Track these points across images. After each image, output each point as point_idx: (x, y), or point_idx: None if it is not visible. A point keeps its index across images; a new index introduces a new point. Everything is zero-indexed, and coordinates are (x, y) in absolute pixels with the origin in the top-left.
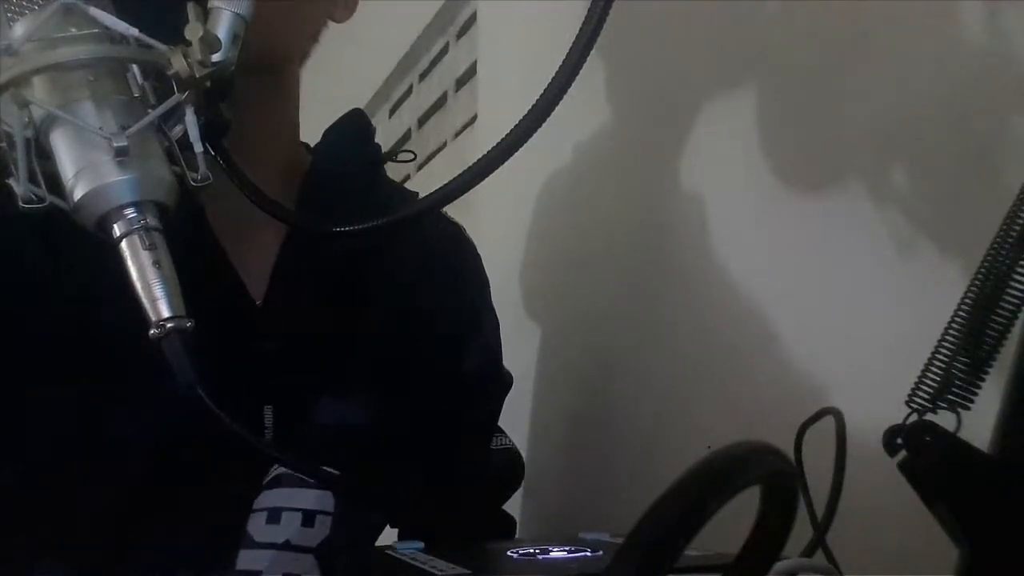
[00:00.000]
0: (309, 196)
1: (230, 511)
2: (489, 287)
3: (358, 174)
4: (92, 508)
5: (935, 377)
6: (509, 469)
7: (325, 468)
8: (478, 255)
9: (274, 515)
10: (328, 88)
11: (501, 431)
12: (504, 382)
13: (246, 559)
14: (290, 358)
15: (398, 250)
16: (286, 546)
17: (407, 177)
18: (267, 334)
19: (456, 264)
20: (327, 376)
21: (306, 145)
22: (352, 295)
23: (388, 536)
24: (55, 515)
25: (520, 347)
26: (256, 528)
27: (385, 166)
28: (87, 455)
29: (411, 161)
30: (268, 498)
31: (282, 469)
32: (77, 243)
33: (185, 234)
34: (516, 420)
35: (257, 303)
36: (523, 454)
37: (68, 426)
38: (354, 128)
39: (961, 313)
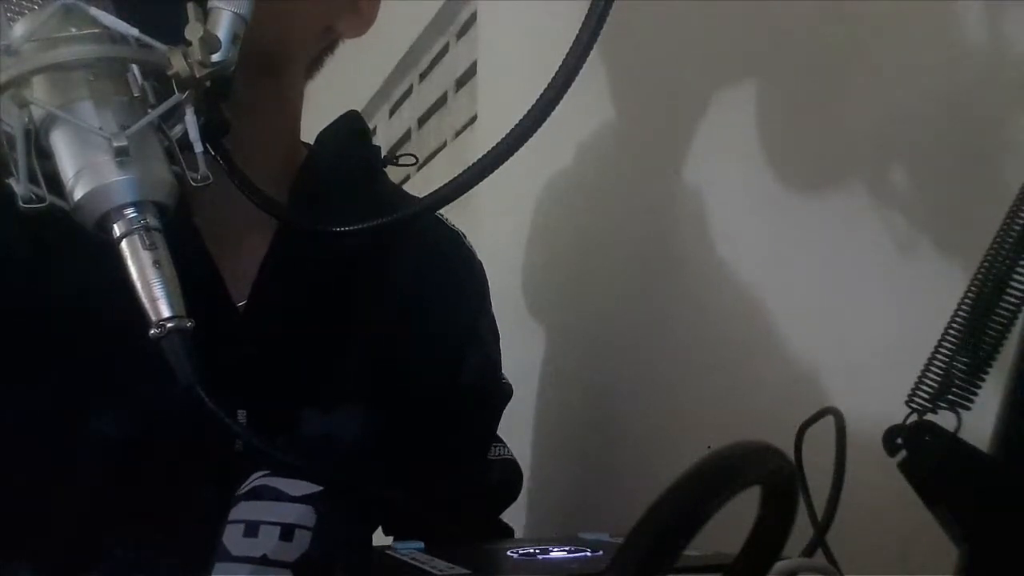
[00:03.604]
0: (299, 194)
1: (202, 518)
2: (489, 295)
3: (353, 174)
4: (61, 509)
5: (935, 377)
6: (507, 480)
7: (326, 470)
8: (478, 261)
9: (252, 528)
10: (328, 88)
11: (500, 441)
12: (503, 393)
13: (222, 572)
14: (269, 363)
15: (393, 255)
16: (263, 560)
17: (407, 177)
18: (246, 338)
19: (454, 271)
20: (311, 384)
21: (308, 146)
22: (342, 301)
23: (384, 540)
24: (24, 515)
25: (521, 347)
26: (232, 541)
27: (386, 169)
28: (58, 455)
29: (412, 165)
30: (245, 510)
31: (260, 480)
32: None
33: (170, 235)
34: (517, 420)
35: (238, 306)
36: (524, 454)
37: (40, 424)
38: (348, 129)
39: (961, 313)
